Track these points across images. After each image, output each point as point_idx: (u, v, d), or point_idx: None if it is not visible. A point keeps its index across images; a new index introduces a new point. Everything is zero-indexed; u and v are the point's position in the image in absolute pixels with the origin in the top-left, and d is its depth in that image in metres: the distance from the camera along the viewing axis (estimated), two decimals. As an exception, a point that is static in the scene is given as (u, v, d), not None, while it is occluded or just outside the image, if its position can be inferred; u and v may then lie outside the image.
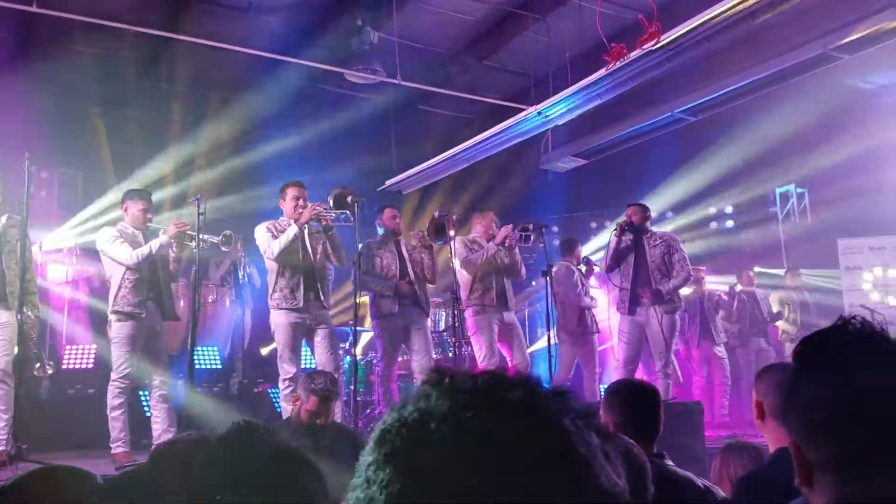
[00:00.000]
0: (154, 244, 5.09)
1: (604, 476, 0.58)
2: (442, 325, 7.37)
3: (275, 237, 5.31)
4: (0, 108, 6.79)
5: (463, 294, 6.24)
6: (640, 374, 6.84)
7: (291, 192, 5.46)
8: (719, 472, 2.70)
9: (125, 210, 5.27)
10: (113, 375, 5.03)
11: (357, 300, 5.65)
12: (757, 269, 9.36)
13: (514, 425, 0.58)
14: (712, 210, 10.35)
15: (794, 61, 6.38)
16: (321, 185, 6.22)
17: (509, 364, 6.28)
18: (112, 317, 5.06)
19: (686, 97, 7.39)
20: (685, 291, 7.24)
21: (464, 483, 0.55)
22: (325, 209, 5.38)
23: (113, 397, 5.00)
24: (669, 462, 2.38)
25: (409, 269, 6.08)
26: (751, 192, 9.95)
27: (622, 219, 6.36)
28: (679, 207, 10.11)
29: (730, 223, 10.38)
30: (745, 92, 7.02)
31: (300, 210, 5.35)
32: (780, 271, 9.42)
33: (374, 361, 6.47)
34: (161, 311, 5.25)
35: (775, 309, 8.72)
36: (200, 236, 5.12)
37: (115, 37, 6.90)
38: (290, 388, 5.03)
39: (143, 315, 5.06)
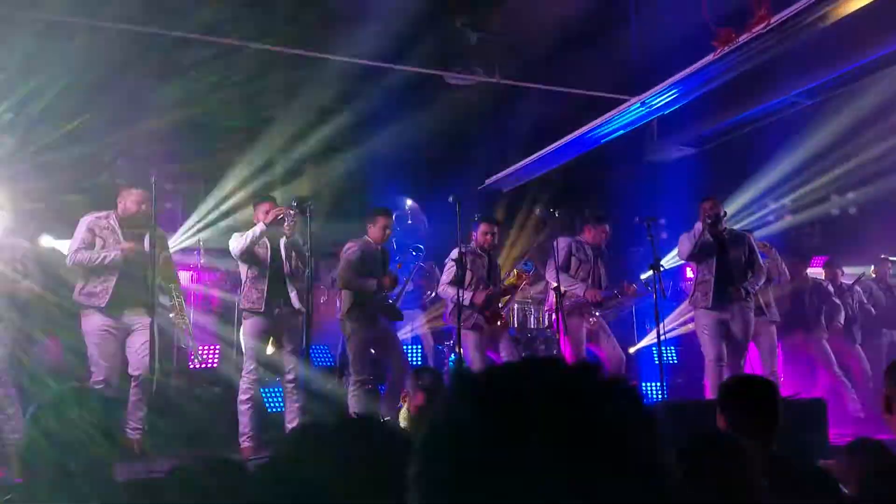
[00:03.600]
0: (253, 231, 5.24)
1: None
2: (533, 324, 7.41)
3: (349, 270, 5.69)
4: (129, 125, 7.26)
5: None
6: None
7: (382, 221, 5.75)
8: (846, 470, 2.56)
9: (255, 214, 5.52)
10: (242, 371, 5.30)
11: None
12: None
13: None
14: (835, 198, 9.75)
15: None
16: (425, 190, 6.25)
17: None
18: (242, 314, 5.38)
19: (802, 79, 6.99)
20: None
21: None
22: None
23: (241, 392, 5.25)
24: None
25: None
26: (873, 179, 9.27)
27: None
28: (797, 197, 9.58)
29: (852, 210, 9.76)
30: (869, 71, 6.57)
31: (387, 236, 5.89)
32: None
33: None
34: (289, 307, 5.38)
35: None
36: (296, 236, 5.34)
37: (226, 51, 7.22)
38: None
39: (264, 311, 5.25)
